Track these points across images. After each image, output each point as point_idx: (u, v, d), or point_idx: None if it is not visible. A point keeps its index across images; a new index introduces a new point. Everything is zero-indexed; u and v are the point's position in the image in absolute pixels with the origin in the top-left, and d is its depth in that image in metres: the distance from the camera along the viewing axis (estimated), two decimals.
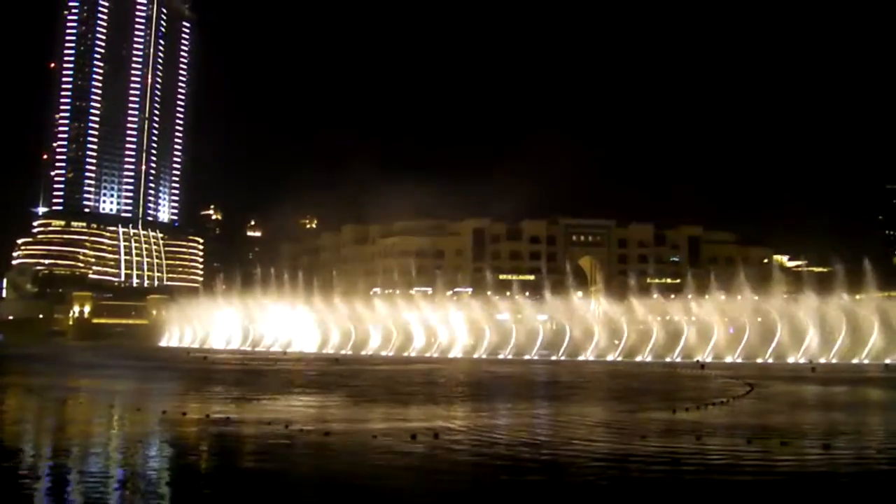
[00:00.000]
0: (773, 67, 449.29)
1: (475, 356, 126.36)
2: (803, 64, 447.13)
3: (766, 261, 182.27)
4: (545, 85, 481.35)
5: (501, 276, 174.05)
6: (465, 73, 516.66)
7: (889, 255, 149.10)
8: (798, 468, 25.01)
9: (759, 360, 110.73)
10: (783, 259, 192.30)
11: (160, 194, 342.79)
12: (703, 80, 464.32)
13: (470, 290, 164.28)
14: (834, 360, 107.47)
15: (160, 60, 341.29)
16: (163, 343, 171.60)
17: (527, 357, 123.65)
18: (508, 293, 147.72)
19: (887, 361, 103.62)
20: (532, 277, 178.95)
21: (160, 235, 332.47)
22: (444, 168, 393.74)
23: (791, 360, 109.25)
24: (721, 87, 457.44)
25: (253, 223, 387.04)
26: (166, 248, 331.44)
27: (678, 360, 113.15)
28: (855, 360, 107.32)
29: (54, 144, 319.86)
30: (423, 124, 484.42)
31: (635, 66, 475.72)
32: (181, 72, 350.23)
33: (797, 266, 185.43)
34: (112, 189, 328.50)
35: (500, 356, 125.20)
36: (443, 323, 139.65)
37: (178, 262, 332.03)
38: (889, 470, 25.08)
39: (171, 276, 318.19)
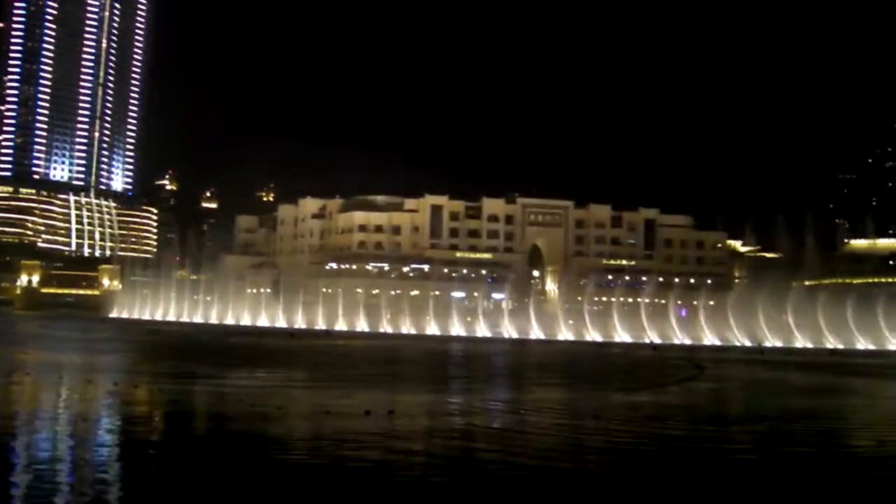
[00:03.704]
0: (731, 61, 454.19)
1: (427, 332, 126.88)
2: (762, 57, 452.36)
3: (719, 245, 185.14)
4: (509, 65, 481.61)
5: (459, 254, 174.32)
6: (429, 48, 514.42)
7: (838, 243, 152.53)
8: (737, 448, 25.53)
9: (708, 343, 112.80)
10: (736, 244, 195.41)
11: (114, 162, 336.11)
12: (662, 71, 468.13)
13: (426, 266, 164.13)
14: (780, 344, 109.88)
15: (116, 25, 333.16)
16: (114, 314, 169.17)
17: (479, 334, 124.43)
18: (465, 271, 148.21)
19: (830, 346, 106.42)
20: (490, 256, 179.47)
21: (113, 204, 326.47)
22: (406, 144, 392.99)
23: (737, 343, 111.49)
24: (681, 77, 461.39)
25: (209, 194, 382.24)
26: (119, 218, 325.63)
27: (630, 340, 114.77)
28: (799, 344, 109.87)
29: (2, 108, 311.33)
30: (384, 100, 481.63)
31: (600, 52, 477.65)
32: (137, 37, 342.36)
33: (749, 251, 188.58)
34: (63, 156, 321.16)
35: (453, 333, 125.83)
36: (397, 299, 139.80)
37: (131, 232, 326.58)
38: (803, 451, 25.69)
39: (123, 246, 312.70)
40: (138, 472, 20.43)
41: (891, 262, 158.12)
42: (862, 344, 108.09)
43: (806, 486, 20.46)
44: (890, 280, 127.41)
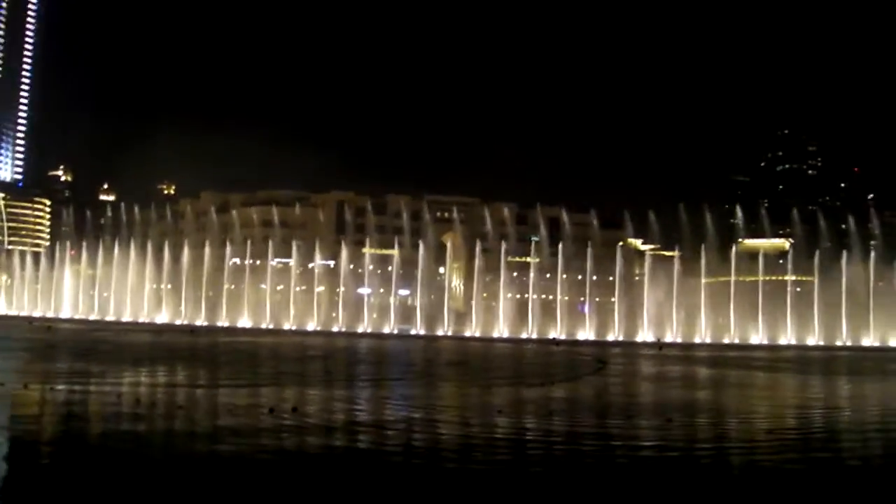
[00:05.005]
0: (630, 61, 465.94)
1: (333, 329, 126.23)
2: (658, 59, 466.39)
3: (622, 243, 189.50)
4: (419, 57, 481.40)
5: (364, 250, 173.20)
6: (335, 38, 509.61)
7: (734, 242, 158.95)
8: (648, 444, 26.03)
9: (611, 338, 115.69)
10: (637, 242, 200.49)
11: (1, 151, 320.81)
12: (564, 71, 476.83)
13: (332, 262, 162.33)
14: (678, 339, 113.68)
15: (4, 5, 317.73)
16: (2, 311, 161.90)
17: (385, 331, 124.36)
18: (371, 267, 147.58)
19: (727, 341, 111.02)
20: (395, 252, 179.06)
21: (1, 195, 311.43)
22: (312, 137, 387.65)
23: (639, 338, 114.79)
24: (581, 78, 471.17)
25: (106, 186, 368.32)
26: (8, 210, 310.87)
27: (534, 336, 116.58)
28: (696, 340, 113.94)
29: None
30: (289, 93, 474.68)
31: (505, 49, 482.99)
32: (29, 17, 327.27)
33: (650, 249, 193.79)
34: None
35: (360, 330, 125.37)
36: (303, 295, 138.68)
37: (21, 225, 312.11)
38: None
39: (12, 239, 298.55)
40: (22, 479, 19.32)
41: (780, 261, 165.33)
42: (757, 339, 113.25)
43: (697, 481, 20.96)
44: (780, 278, 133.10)
